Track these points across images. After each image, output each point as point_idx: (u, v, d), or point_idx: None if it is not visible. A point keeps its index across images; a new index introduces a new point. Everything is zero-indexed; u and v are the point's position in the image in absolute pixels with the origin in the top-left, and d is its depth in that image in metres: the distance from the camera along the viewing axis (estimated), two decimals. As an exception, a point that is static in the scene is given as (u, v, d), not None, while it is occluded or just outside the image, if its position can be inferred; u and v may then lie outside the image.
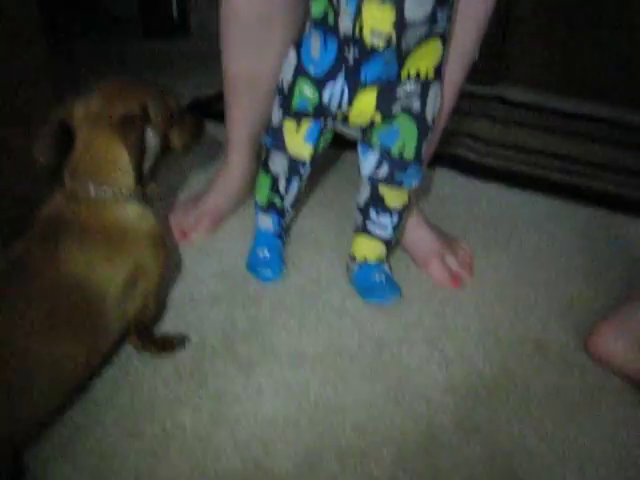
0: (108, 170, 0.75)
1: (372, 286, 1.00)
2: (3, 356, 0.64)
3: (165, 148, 0.83)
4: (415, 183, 0.94)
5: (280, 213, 1.06)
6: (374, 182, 0.94)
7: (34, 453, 0.73)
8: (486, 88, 2.11)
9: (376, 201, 0.96)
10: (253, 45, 1.09)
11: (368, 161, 0.93)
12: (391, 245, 1.02)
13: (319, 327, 0.96)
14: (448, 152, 1.57)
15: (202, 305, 0.99)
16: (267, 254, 1.06)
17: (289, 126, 0.93)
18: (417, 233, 1.11)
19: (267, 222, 1.07)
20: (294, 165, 0.98)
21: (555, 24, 2.00)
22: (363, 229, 1.00)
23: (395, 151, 0.90)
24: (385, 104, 0.86)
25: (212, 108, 1.72)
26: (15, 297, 0.67)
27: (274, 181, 1.01)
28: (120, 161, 0.75)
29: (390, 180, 0.92)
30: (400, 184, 0.93)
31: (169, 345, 0.89)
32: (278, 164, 0.98)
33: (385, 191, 0.95)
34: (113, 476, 0.72)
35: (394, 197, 0.96)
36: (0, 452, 0.64)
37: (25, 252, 0.71)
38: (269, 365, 0.88)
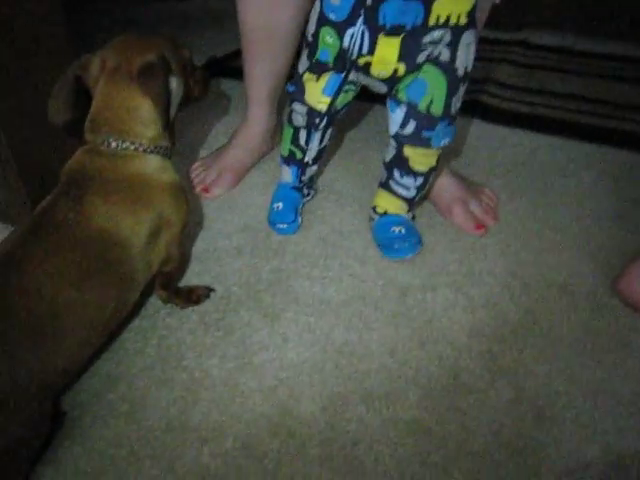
0: (129, 123, 0.75)
1: (390, 240, 0.98)
2: (37, 305, 0.65)
3: (186, 98, 0.82)
4: (445, 142, 0.89)
5: (300, 166, 1.03)
6: (399, 142, 0.91)
7: (70, 399, 0.76)
8: (509, 33, 2.05)
9: (400, 162, 0.93)
10: None
11: (394, 118, 0.89)
12: (414, 202, 0.99)
13: (342, 275, 0.95)
14: (471, 99, 1.53)
15: (226, 258, 0.99)
16: (281, 207, 1.04)
17: (309, 77, 0.91)
18: (440, 181, 1.09)
19: (287, 174, 1.05)
20: (311, 116, 0.94)
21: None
22: (386, 186, 0.98)
23: (422, 106, 0.84)
24: (409, 53, 0.80)
25: (229, 66, 1.70)
26: (44, 249, 0.68)
27: (295, 132, 0.99)
28: (142, 112, 0.74)
29: (416, 139, 0.88)
30: (427, 143, 0.88)
31: (195, 296, 0.90)
32: (298, 115, 0.96)
33: (410, 152, 0.91)
34: (145, 422, 0.73)
35: (419, 159, 0.92)
36: (40, 397, 0.65)
37: (52, 207, 0.72)
38: (293, 313, 0.88)
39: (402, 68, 0.82)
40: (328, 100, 0.91)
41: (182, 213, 0.80)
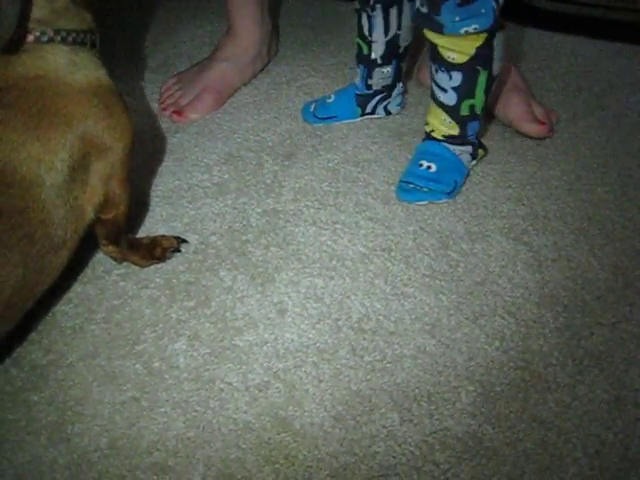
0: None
1: (412, 176, 0.81)
2: None
3: None
4: (470, 28, 0.70)
5: (367, 65, 0.89)
6: (419, 24, 0.76)
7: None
8: None
9: (432, 51, 0.76)
10: None
11: None
12: (461, 118, 0.79)
13: (359, 220, 0.76)
14: (516, 1, 1.28)
15: (204, 197, 0.79)
16: (332, 99, 0.92)
17: None
18: None
19: (357, 79, 0.92)
20: None
21: None
22: (431, 93, 0.81)
23: None
24: None
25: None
26: None
27: (359, 19, 0.86)
28: None
29: (429, 23, 0.72)
30: (440, 29, 0.71)
31: (159, 251, 0.71)
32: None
33: (433, 37, 0.74)
34: (78, 439, 0.54)
35: (448, 46, 0.73)
36: None
37: None
38: (293, 274, 0.70)
39: None
40: None
41: (121, 131, 0.61)
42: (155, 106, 0.96)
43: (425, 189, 0.78)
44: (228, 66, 1.00)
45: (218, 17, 1.02)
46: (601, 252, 0.70)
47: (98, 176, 0.59)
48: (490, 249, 0.71)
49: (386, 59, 0.88)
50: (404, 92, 0.93)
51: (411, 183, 0.79)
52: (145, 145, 0.86)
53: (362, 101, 0.93)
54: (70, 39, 0.57)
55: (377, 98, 0.92)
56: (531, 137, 0.88)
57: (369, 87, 0.91)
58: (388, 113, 0.92)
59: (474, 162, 0.80)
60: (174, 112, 0.95)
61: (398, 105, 0.92)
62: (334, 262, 0.70)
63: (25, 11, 0.53)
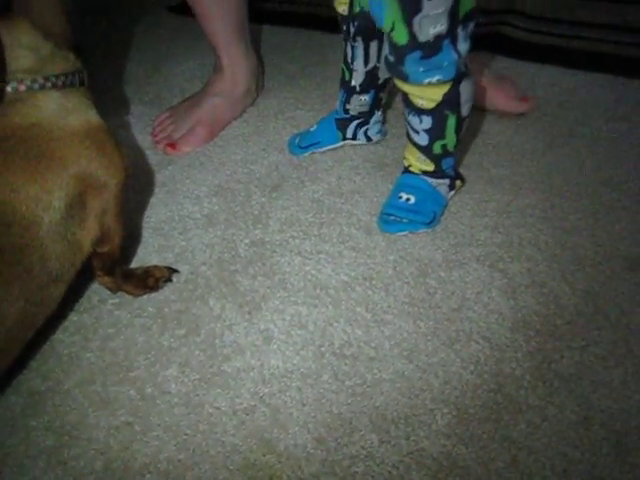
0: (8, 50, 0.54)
1: (392, 208, 0.81)
2: None
3: None
4: (432, 79, 0.70)
5: (347, 90, 0.90)
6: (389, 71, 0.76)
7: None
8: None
9: (404, 97, 0.76)
10: None
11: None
12: (435, 156, 0.79)
13: (343, 249, 0.77)
14: (491, 32, 1.30)
15: (194, 229, 0.81)
16: (314, 128, 0.95)
17: None
18: None
19: (337, 103, 0.94)
20: (342, 23, 0.84)
21: None
22: (407, 133, 0.81)
23: (386, 28, 0.68)
24: None
25: None
26: None
27: (345, 46, 0.88)
28: (20, 29, 0.54)
29: (395, 71, 0.72)
30: (405, 78, 0.71)
31: (151, 281, 0.72)
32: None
33: (401, 85, 0.74)
34: (74, 462, 0.55)
35: (417, 93, 0.74)
36: None
37: None
38: (279, 302, 0.70)
39: None
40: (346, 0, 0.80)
41: (114, 168, 0.62)
42: (148, 139, 0.98)
43: (405, 220, 0.79)
44: (219, 101, 1.02)
45: (208, 51, 1.05)
46: (573, 278, 0.71)
47: (94, 212, 0.60)
48: (467, 276, 0.71)
49: (365, 88, 0.89)
50: (383, 121, 0.94)
51: (392, 215, 0.80)
52: (137, 178, 0.88)
53: (341, 124, 0.93)
54: (60, 83, 0.59)
55: (355, 123, 0.93)
56: (521, 113, 0.99)
57: (347, 111, 0.92)
58: (369, 139, 0.94)
59: (452, 193, 0.81)
60: (167, 145, 0.97)
61: (378, 133, 0.94)
62: (318, 291, 0.71)
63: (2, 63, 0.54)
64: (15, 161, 0.54)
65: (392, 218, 0.80)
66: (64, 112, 0.58)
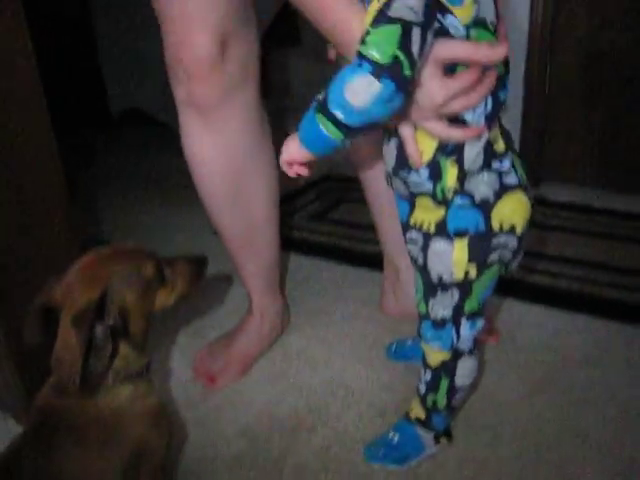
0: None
1: (381, 441, 0.95)
2: None
3: (165, 300, 0.78)
4: (434, 345, 0.86)
5: None
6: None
7: None
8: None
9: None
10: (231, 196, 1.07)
11: None
12: (428, 407, 0.92)
13: None
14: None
15: (221, 470, 0.93)
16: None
17: None
18: None
19: None
20: None
21: (594, 119, 1.91)
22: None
23: (417, 299, 0.86)
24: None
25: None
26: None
27: None
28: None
29: (418, 332, 0.89)
30: (420, 333, 0.88)
31: None
32: None
33: (422, 344, 0.89)
34: None
35: (427, 350, 0.89)
36: None
37: (22, 447, 0.69)
38: None
39: None
40: None
41: (164, 438, 0.75)
42: (188, 371, 1.14)
43: (381, 454, 0.93)
44: (250, 339, 1.17)
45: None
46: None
47: (144, 470, 0.73)
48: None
49: None
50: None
51: (375, 445, 0.94)
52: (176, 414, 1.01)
53: None
54: (134, 376, 0.73)
55: None
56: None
57: None
58: None
59: (436, 446, 0.93)
60: (208, 379, 1.11)
61: None
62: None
63: (109, 366, 0.70)
64: (87, 441, 0.68)
65: (373, 448, 0.94)
66: (134, 400, 0.72)
